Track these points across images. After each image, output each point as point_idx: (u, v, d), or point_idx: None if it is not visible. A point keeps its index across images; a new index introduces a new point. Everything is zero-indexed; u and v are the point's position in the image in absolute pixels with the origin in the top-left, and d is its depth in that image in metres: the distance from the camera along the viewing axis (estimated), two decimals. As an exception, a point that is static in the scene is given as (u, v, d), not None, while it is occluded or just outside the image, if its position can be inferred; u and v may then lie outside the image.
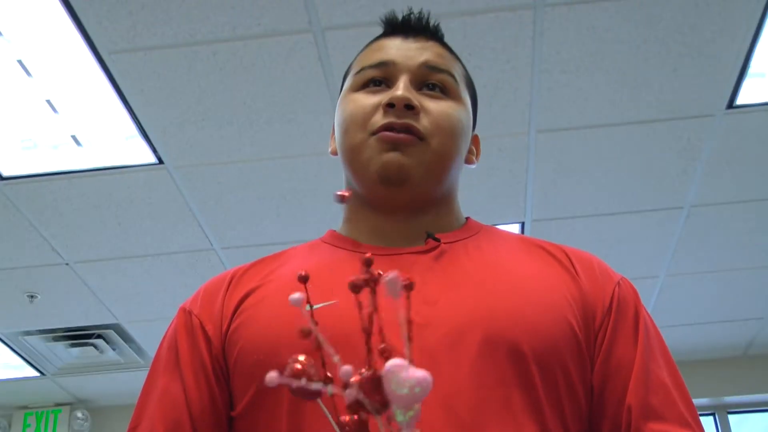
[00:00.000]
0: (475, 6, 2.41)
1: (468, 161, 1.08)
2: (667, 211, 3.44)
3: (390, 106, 0.97)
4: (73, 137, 2.92)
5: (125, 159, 3.04)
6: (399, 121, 0.96)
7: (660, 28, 2.52)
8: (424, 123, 0.98)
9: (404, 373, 0.65)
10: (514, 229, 3.51)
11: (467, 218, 1.08)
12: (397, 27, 1.07)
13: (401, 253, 0.96)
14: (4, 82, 2.66)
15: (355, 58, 1.09)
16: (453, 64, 1.06)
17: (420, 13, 1.08)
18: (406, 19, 1.07)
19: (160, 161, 3.02)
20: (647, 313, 0.98)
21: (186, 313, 0.98)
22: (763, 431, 5.23)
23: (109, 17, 2.40)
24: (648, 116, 2.89)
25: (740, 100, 2.82)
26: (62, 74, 2.63)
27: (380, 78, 1.02)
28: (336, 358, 0.64)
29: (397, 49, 1.04)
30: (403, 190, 0.98)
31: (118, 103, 2.74)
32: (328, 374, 0.66)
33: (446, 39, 1.11)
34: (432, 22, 1.08)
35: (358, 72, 1.04)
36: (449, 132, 1.00)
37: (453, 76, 1.03)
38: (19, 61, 2.58)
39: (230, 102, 2.75)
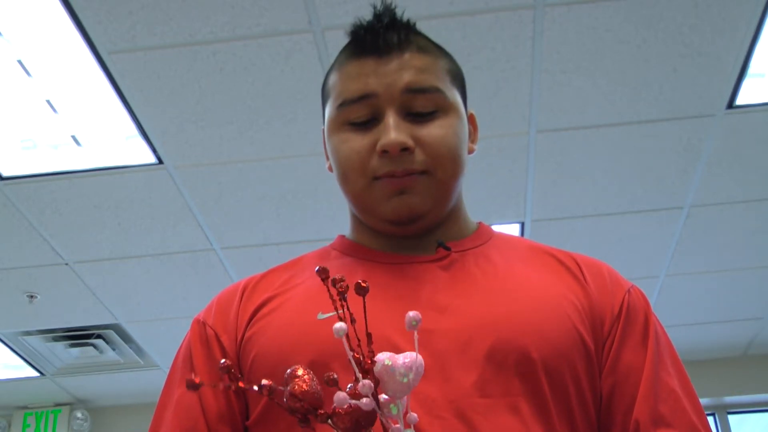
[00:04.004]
0: (475, 6, 2.41)
1: (469, 151, 1.04)
2: (667, 211, 3.43)
3: (385, 151, 0.94)
4: (73, 137, 2.92)
5: (125, 159, 3.03)
6: (399, 169, 0.94)
7: (660, 28, 2.52)
8: (421, 159, 0.95)
9: (399, 360, 0.67)
10: (514, 229, 3.51)
11: (479, 223, 1.07)
12: (368, 47, 0.98)
13: (411, 262, 0.97)
14: (4, 82, 2.66)
15: (330, 76, 1.03)
16: (435, 71, 0.99)
17: (388, 20, 0.99)
18: (376, 35, 0.98)
19: (160, 161, 3.02)
20: (658, 321, 0.98)
21: (200, 325, 0.98)
22: (763, 431, 5.23)
23: (109, 17, 2.40)
24: (648, 116, 2.89)
25: (740, 100, 2.82)
26: (62, 74, 2.63)
27: (365, 114, 0.97)
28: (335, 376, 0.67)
29: (375, 75, 0.96)
30: (416, 225, 0.98)
31: (117, 103, 2.74)
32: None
33: (446, 40, 1.07)
34: (400, 22, 1.00)
35: (341, 105, 0.98)
36: (449, 156, 0.97)
37: (438, 90, 0.97)
38: (19, 61, 2.58)
39: (230, 102, 2.75)
